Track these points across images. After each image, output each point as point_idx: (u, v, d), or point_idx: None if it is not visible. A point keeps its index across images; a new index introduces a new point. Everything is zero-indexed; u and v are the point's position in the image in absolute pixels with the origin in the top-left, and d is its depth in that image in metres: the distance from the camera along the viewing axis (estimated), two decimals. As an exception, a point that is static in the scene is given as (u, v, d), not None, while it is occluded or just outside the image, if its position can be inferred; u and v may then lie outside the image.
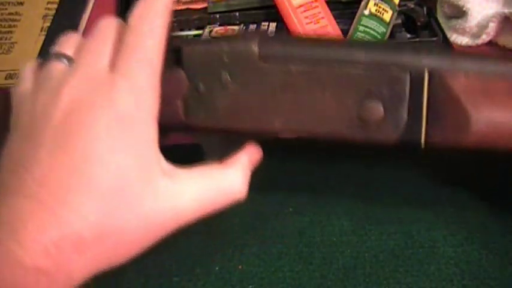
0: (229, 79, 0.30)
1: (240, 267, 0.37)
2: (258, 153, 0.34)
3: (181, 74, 0.30)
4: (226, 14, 0.57)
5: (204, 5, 0.58)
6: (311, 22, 0.58)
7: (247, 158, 0.32)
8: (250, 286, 0.36)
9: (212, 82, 0.30)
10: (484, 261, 0.35)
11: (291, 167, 0.45)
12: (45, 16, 0.61)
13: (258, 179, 0.44)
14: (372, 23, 0.57)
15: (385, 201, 0.40)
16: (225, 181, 0.31)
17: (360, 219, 0.39)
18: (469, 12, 0.56)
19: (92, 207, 0.24)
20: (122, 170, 0.26)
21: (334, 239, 0.38)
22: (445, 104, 0.29)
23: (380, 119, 0.29)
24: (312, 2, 0.59)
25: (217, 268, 0.37)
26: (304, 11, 0.58)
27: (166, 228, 0.28)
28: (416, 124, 0.29)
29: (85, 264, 0.25)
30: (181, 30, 0.56)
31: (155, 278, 0.37)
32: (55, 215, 0.24)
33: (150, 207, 0.27)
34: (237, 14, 0.57)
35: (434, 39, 0.53)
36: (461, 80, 0.29)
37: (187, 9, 0.57)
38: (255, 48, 0.30)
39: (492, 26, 0.55)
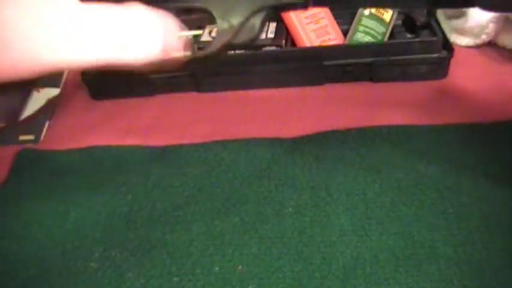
0: None
1: (240, 267, 0.37)
2: (173, 25, 0.32)
3: None
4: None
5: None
6: (311, 22, 0.58)
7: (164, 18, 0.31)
8: (250, 286, 0.36)
9: None
10: (484, 261, 0.35)
11: (291, 167, 0.45)
12: None
13: (258, 179, 0.44)
14: (372, 23, 0.58)
15: (385, 201, 0.40)
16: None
17: (360, 219, 0.39)
18: (469, 13, 0.56)
19: None
20: None
21: (334, 239, 0.38)
22: None
23: None
24: (312, 2, 0.59)
25: (217, 268, 0.37)
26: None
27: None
28: None
29: None
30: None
31: (155, 278, 0.37)
32: None
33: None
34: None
35: (434, 39, 0.53)
36: None
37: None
38: None
39: (492, 26, 0.55)
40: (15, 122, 0.34)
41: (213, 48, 0.31)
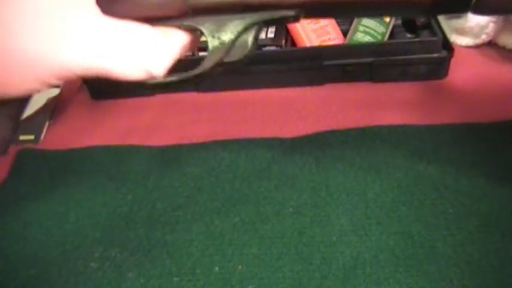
0: None
1: (240, 267, 0.37)
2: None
3: None
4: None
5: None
6: (311, 22, 0.58)
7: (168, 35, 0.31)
8: (250, 286, 0.36)
9: None
10: (484, 261, 0.35)
11: (291, 167, 0.45)
12: None
13: (258, 179, 0.44)
14: (372, 23, 0.58)
15: (385, 201, 0.40)
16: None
17: (360, 219, 0.39)
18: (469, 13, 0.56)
19: None
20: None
21: (334, 239, 0.38)
22: None
23: None
24: (312, 2, 0.59)
25: (217, 268, 0.37)
26: (304, 11, 0.58)
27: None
28: None
29: None
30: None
31: (155, 278, 0.37)
32: None
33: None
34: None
35: (434, 39, 0.53)
36: None
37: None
38: None
39: (492, 26, 0.55)
40: (6, 150, 0.33)
41: (205, 66, 0.30)
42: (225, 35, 0.30)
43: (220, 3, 0.29)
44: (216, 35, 0.30)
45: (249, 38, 0.30)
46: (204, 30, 0.30)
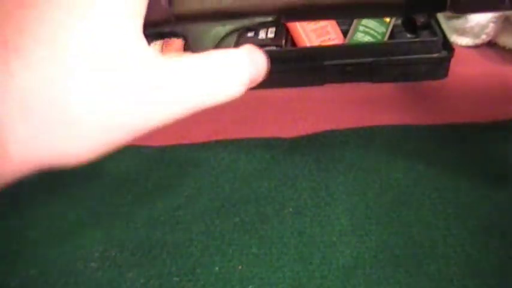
0: None
1: (240, 267, 0.37)
2: (261, 56, 0.29)
3: None
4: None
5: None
6: (311, 22, 0.58)
7: (249, 52, 0.28)
8: (250, 286, 0.36)
9: None
10: (484, 261, 0.35)
11: (291, 167, 0.45)
12: None
13: (258, 179, 0.44)
14: (372, 23, 0.58)
15: (385, 201, 0.40)
16: (224, 67, 0.26)
17: (359, 219, 0.39)
18: (469, 12, 0.56)
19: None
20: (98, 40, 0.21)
21: (334, 239, 0.38)
22: None
23: None
24: (312, 2, 0.59)
25: (217, 268, 0.37)
26: (304, 11, 0.58)
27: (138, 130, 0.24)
28: None
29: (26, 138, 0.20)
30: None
31: (155, 278, 0.37)
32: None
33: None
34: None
35: (434, 39, 0.53)
36: None
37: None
38: None
39: (492, 26, 0.55)
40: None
41: None
42: (207, 41, 0.31)
43: (201, 12, 0.30)
44: (199, 41, 0.31)
45: (231, 43, 0.31)
46: (189, 39, 0.31)
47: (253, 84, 0.29)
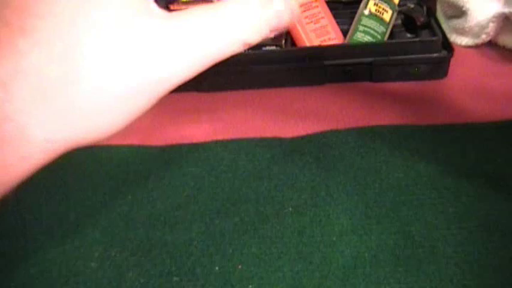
0: None
1: (240, 267, 0.37)
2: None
3: None
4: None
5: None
6: (311, 22, 0.58)
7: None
8: (250, 286, 0.36)
9: None
10: (484, 261, 0.35)
11: (291, 167, 0.45)
12: None
13: (258, 179, 0.44)
14: (372, 23, 0.58)
15: (385, 201, 0.40)
16: (233, 15, 0.24)
17: (360, 219, 0.39)
18: (469, 12, 0.56)
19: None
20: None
21: (334, 239, 0.38)
22: None
23: None
24: (312, 2, 0.59)
25: (217, 268, 0.37)
26: (304, 10, 0.59)
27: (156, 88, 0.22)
28: None
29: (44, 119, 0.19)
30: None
31: (155, 278, 0.37)
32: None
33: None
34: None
35: (434, 39, 0.53)
36: None
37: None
38: None
39: (492, 26, 0.55)
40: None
41: None
42: None
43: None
44: None
45: None
46: None
47: (278, 29, 0.27)
